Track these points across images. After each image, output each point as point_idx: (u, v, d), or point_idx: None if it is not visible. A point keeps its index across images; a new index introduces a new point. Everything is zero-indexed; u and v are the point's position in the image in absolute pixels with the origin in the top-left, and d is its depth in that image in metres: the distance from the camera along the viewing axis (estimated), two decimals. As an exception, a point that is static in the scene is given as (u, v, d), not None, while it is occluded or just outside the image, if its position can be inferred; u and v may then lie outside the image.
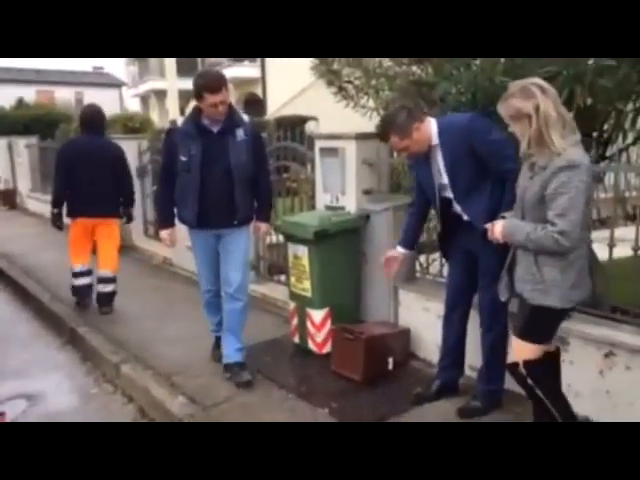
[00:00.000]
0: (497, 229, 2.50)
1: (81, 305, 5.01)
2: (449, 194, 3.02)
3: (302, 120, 12.14)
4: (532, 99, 2.28)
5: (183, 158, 3.37)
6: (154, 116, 23.08)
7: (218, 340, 3.82)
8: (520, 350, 2.49)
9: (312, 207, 4.75)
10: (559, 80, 2.77)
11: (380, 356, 3.49)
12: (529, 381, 2.47)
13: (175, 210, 3.63)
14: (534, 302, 2.42)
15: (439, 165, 2.97)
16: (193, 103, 3.47)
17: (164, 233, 3.72)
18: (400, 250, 3.31)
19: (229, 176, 3.39)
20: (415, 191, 3.30)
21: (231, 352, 3.59)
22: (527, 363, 2.46)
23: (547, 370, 2.56)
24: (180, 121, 3.66)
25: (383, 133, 3.07)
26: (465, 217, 3.01)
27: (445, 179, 2.97)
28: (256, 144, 3.53)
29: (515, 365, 2.50)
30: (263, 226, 3.80)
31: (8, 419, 3.47)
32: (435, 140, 2.94)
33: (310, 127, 11.06)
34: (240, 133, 3.41)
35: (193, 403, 3.25)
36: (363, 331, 3.51)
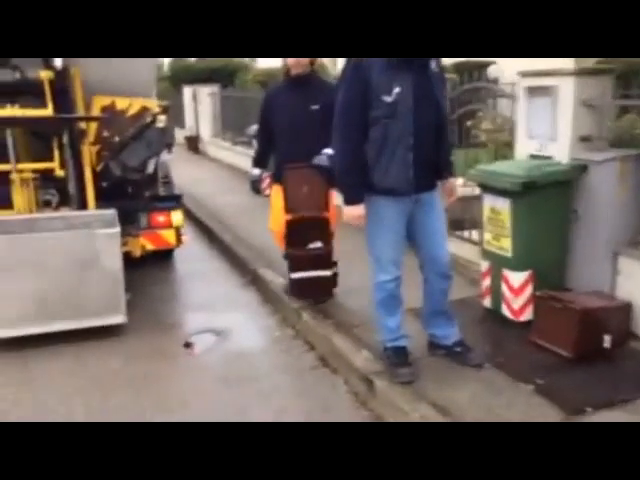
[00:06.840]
0: None
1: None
2: None
3: (479, 65, 11.28)
4: None
5: (387, 98, 2.57)
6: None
7: (401, 352, 2.95)
8: None
9: (503, 158, 4.23)
10: None
11: (595, 332, 2.98)
12: None
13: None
14: None
15: None
16: None
17: (357, 211, 2.75)
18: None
19: (437, 121, 2.72)
20: None
21: (450, 332, 3.05)
22: None
23: None
24: None
25: None
26: None
27: None
28: (445, 81, 2.92)
29: None
30: (454, 183, 3.00)
31: (197, 351, 3.64)
32: None
33: (492, 72, 10.18)
34: (433, 64, 2.72)
35: (377, 359, 3.06)
36: (575, 301, 3.03)
